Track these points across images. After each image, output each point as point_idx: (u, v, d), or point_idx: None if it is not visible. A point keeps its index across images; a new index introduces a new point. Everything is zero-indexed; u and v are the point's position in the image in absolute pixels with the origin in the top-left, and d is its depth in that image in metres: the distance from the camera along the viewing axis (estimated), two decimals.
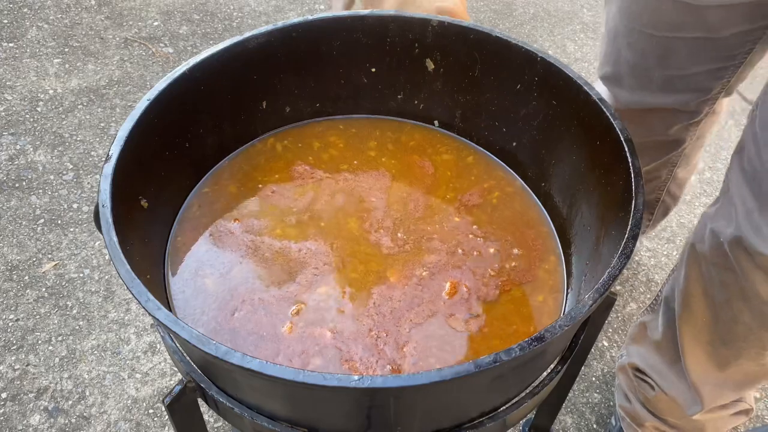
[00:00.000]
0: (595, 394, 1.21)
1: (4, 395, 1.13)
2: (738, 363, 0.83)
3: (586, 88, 0.71)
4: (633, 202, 0.60)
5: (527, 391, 0.63)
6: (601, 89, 1.07)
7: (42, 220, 1.40)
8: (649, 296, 1.38)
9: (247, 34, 0.77)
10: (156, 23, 1.99)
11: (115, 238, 0.55)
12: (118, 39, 1.91)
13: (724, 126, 1.82)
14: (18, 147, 1.55)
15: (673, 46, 0.89)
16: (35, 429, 1.10)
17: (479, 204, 0.81)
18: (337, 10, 1.26)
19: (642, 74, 0.97)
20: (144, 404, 1.14)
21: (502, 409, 0.62)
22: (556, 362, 0.67)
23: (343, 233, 0.76)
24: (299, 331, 0.66)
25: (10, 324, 1.22)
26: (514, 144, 0.84)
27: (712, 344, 0.84)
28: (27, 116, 1.63)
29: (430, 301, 0.69)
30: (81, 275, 1.31)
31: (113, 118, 1.65)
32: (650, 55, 0.93)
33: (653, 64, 0.94)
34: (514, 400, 0.62)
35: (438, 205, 0.80)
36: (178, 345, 0.63)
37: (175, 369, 1.18)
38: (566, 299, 0.72)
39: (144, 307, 0.50)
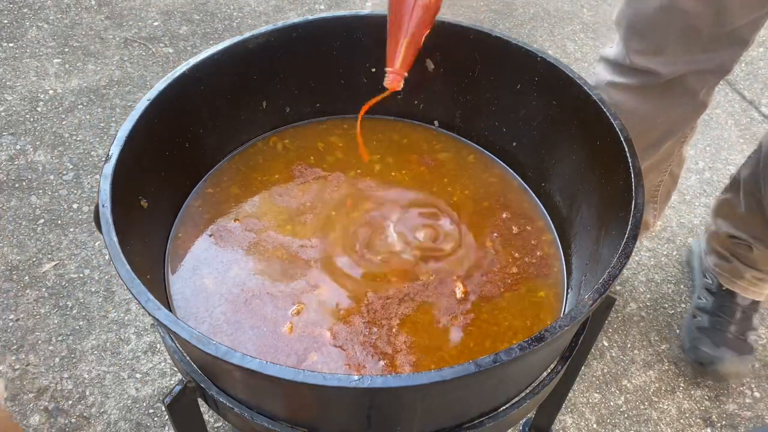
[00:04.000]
0: (595, 394, 1.21)
1: (4, 395, 1.13)
2: None
3: (586, 88, 0.71)
4: (633, 202, 0.60)
5: (527, 391, 0.63)
6: (613, 73, 1.08)
7: (42, 220, 1.40)
8: (649, 296, 1.38)
9: (247, 34, 0.77)
10: (156, 23, 1.99)
11: (115, 238, 0.55)
12: (118, 39, 1.91)
13: (724, 126, 1.82)
14: (18, 147, 1.55)
15: (725, 2, 0.91)
16: (35, 429, 1.10)
17: (479, 204, 0.81)
18: None
19: (691, 37, 0.97)
20: (144, 404, 1.14)
21: (502, 409, 0.62)
22: (556, 362, 0.67)
23: (343, 233, 0.76)
24: (299, 330, 0.66)
25: (10, 324, 1.22)
26: (514, 144, 0.84)
27: None
28: (27, 116, 1.63)
29: (430, 301, 0.69)
30: (81, 275, 1.31)
31: (113, 118, 1.65)
32: (705, 15, 0.94)
33: (707, 23, 0.95)
34: (514, 400, 0.62)
35: (436, 205, 0.80)
36: (178, 345, 0.63)
37: (175, 369, 1.18)
38: (566, 299, 0.72)
39: (144, 307, 0.50)
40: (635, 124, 1.10)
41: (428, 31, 0.63)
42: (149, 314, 0.50)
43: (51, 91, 1.71)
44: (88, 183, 1.49)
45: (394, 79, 0.67)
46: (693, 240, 1.46)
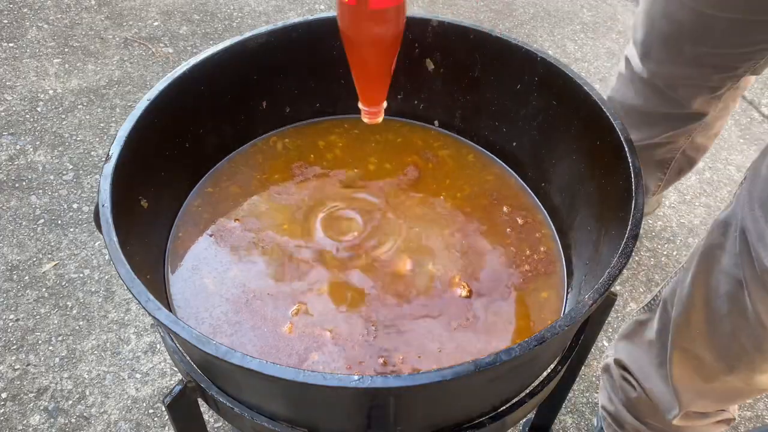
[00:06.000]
0: (595, 394, 1.21)
1: (4, 395, 1.13)
2: (725, 379, 0.80)
3: (586, 88, 0.71)
4: (633, 202, 0.60)
5: (527, 391, 0.63)
6: (630, 53, 1.10)
7: (42, 220, 1.40)
8: (649, 296, 1.38)
9: (247, 34, 0.77)
10: (156, 23, 1.99)
11: (115, 238, 0.55)
12: (118, 39, 1.91)
13: (724, 126, 1.82)
14: (18, 147, 1.55)
15: (710, 23, 0.90)
16: (35, 429, 1.10)
17: (478, 204, 0.81)
18: None
19: (673, 46, 0.97)
20: (144, 404, 1.14)
21: (502, 409, 0.62)
22: (556, 362, 0.67)
23: (343, 233, 0.76)
24: (299, 331, 0.66)
25: (10, 324, 1.22)
26: (514, 144, 0.84)
27: (701, 358, 0.81)
28: (27, 116, 1.63)
29: (429, 300, 0.69)
30: (81, 275, 1.31)
31: (113, 118, 1.65)
32: (685, 29, 0.93)
33: (686, 38, 0.94)
34: (514, 400, 0.62)
35: (437, 205, 0.80)
36: (178, 345, 0.63)
37: (175, 369, 1.18)
38: (566, 299, 0.72)
39: (144, 307, 0.50)
40: (635, 105, 1.13)
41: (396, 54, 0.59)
42: (149, 314, 0.50)
43: (51, 91, 1.71)
44: (88, 183, 1.49)
45: (372, 115, 0.63)
46: None
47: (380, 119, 0.64)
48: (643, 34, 1.02)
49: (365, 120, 0.64)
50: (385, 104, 0.64)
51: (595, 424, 1.14)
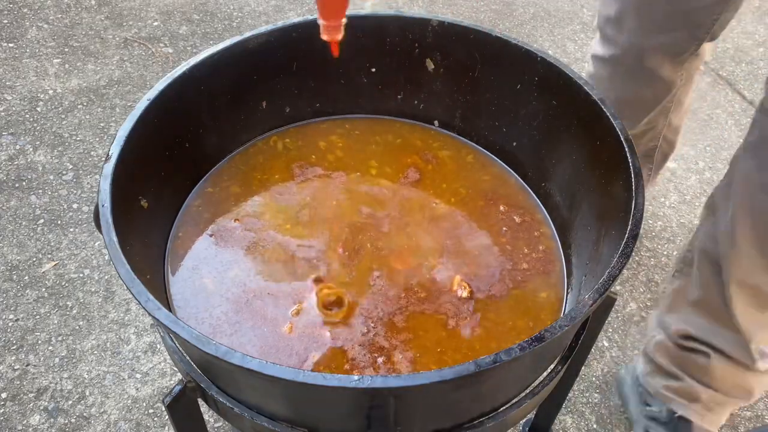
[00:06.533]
0: (595, 394, 1.21)
1: (4, 395, 1.13)
2: None
3: (586, 88, 0.71)
4: (633, 202, 0.60)
5: (527, 391, 0.63)
6: (596, 43, 1.16)
7: (42, 220, 1.40)
8: (649, 296, 1.38)
9: (247, 34, 0.77)
10: (156, 23, 1.99)
11: (115, 238, 0.55)
12: (118, 39, 1.91)
13: (724, 126, 1.82)
14: (18, 147, 1.55)
15: None
16: (35, 429, 1.10)
17: (479, 204, 0.81)
18: None
19: (645, 10, 1.01)
20: (144, 404, 1.14)
21: (502, 409, 0.62)
22: (556, 362, 0.67)
23: (343, 233, 0.76)
24: (299, 331, 0.66)
25: (10, 324, 1.22)
26: (514, 144, 0.84)
27: (758, 286, 0.84)
28: (27, 116, 1.63)
29: (430, 300, 0.69)
30: (81, 275, 1.31)
31: (113, 118, 1.65)
32: None
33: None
34: (514, 400, 0.62)
35: (437, 205, 0.80)
36: (177, 345, 0.63)
37: (175, 369, 1.18)
38: (566, 299, 0.72)
39: (144, 307, 0.50)
40: (610, 96, 1.15)
41: None
42: (149, 314, 0.50)
43: (51, 91, 1.71)
44: (88, 183, 1.49)
45: (331, 30, 0.60)
46: (623, 366, 1.22)
47: (339, 36, 0.61)
48: (616, 7, 1.07)
49: (324, 37, 0.61)
50: (344, 20, 0.61)
51: (657, 410, 1.07)
